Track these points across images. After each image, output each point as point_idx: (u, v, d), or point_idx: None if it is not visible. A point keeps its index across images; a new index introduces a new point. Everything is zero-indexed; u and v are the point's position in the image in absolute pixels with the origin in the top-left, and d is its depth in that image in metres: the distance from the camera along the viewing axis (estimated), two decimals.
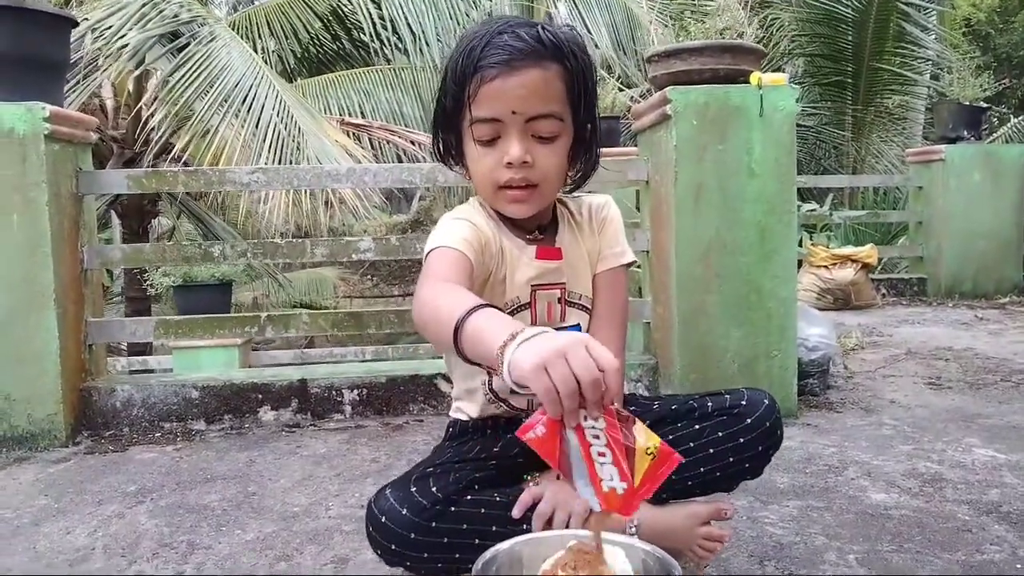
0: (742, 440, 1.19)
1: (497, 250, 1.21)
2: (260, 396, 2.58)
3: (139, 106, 5.17)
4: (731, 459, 1.20)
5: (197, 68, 4.73)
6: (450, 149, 1.23)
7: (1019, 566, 1.44)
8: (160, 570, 1.51)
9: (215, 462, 2.20)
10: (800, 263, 5.30)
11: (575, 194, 1.32)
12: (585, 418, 0.80)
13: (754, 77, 2.42)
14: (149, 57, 4.75)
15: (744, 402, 1.22)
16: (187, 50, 4.81)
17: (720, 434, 1.20)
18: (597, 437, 0.81)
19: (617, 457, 0.81)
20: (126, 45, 4.44)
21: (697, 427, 1.21)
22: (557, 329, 1.24)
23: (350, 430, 2.49)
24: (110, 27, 4.40)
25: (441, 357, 2.81)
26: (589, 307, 1.30)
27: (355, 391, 2.61)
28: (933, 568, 1.43)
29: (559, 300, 1.27)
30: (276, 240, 3.03)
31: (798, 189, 6.56)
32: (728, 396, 1.25)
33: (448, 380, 2.60)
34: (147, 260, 3.33)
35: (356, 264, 12.06)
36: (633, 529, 1.15)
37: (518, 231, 1.25)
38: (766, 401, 1.23)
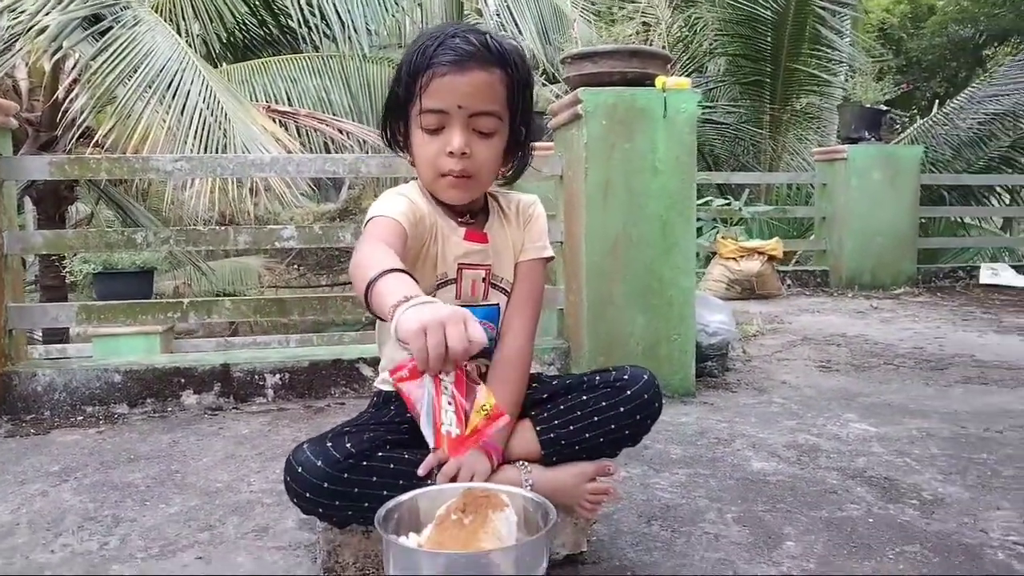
0: (622, 409, 1.34)
1: (431, 225, 1.34)
2: (183, 380, 2.64)
3: (57, 89, 5.05)
4: (612, 426, 1.35)
5: (120, 52, 4.65)
6: (396, 135, 1.37)
7: (871, 520, 1.64)
8: (86, 542, 1.58)
9: (138, 443, 2.26)
10: (713, 255, 5.57)
11: (506, 190, 1.46)
12: (444, 372, 0.95)
13: (659, 81, 2.58)
14: (70, 40, 4.64)
15: (626, 376, 1.38)
16: (110, 34, 4.72)
17: (603, 404, 1.35)
18: (446, 389, 0.96)
19: (459, 408, 0.97)
20: (45, 27, 4.34)
21: (584, 398, 1.36)
22: (479, 307, 1.39)
23: (272, 413, 2.57)
24: (25, 11, 4.29)
25: (363, 343, 2.91)
26: (509, 291, 1.45)
27: (277, 375, 2.69)
28: (798, 524, 1.61)
29: (483, 280, 1.41)
30: (199, 227, 3.06)
31: (716, 184, 6.86)
32: (614, 372, 1.41)
33: (370, 364, 2.71)
34: (69, 246, 3.31)
35: (282, 253, 11.92)
36: (528, 486, 1.29)
37: (451, 214, 1.39)
38: (645, 376, 1.38)
